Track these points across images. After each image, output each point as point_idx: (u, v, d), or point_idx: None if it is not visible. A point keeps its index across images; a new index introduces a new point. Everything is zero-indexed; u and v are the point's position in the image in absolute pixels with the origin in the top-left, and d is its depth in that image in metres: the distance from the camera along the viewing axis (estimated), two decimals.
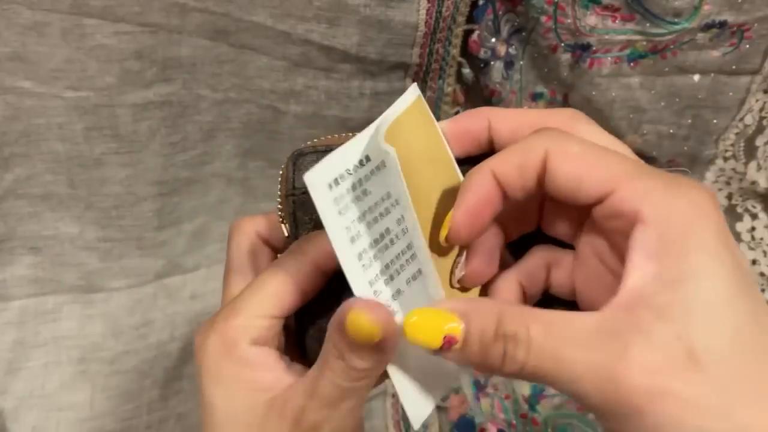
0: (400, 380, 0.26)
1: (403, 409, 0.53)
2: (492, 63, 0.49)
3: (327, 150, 0.26)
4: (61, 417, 0.49)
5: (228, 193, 0.54)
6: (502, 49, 0.49)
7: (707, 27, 0.46)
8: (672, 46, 0.47)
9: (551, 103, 0.53)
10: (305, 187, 0.24)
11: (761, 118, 0.51)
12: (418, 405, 0.26)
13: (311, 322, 0.28)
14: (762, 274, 0.54)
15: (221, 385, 0.26)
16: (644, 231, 0.20)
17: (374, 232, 0.25)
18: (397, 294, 0.25)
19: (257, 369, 0.26)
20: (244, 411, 0.25)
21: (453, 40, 0.47)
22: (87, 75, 0.43)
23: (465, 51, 0.48)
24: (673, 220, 0.20)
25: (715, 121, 0.51)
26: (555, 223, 0.26)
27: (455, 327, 0.21)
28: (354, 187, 0.24)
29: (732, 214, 0.56)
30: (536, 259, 0.27)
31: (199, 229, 0.54)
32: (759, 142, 0.52)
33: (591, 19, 0.47)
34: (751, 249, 0.55)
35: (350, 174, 0.24)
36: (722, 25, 0.46)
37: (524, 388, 0.54)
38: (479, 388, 0.53)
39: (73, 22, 0.41)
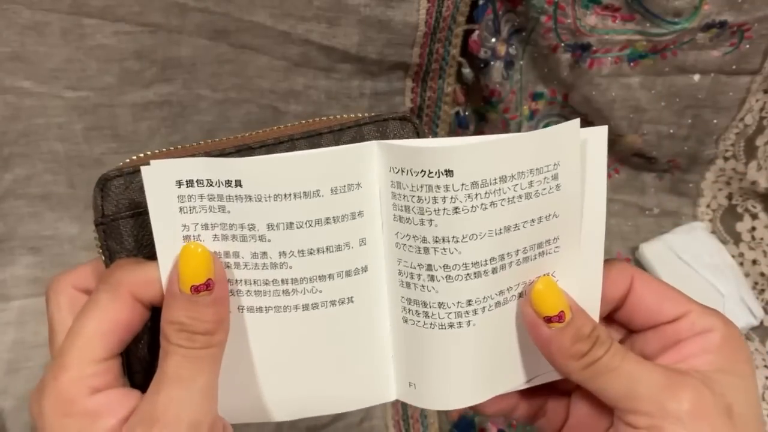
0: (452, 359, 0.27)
1: (403, 408, 0.53)
2: (492, 63, 0.49)
3: (134, 171, 0.26)
4: None
5: None
6: (502, 49, 0.49)
7: (707, 27, 0.46)
8: (672, 46, 0.47)
9: (551, 103, 0.53)
10: (115, 214, 0.25)
11: (761, 118, 0.51)
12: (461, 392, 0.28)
13: (132, 350, 0.27)
14: (762, 274, 0.54)
15: None
16: (712, 336, 0.26)
17: (219, 247, 0.25)
18: None
19: (103, 415, 0.24)
20: None
21: (453, 40, 0.47)
22: (87, 75, 0.43)
23: (465, 51, 0.48)
24: (732, 339, 0.27)
25: (715, 121, 0.51)
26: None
27: (567, 310, 0.26)
28: (211, 198, 0.24)
29: (732, 214, 0.56)
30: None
31: None
32: (759, 142, 0.52)
33: (591, 19, 0.47)
34: (751, 249, 0.55)
35: (211, 185, 0.24)
36: (722, 25, 0.46)
37: None
38: None
39: (73, 22, 0.41)
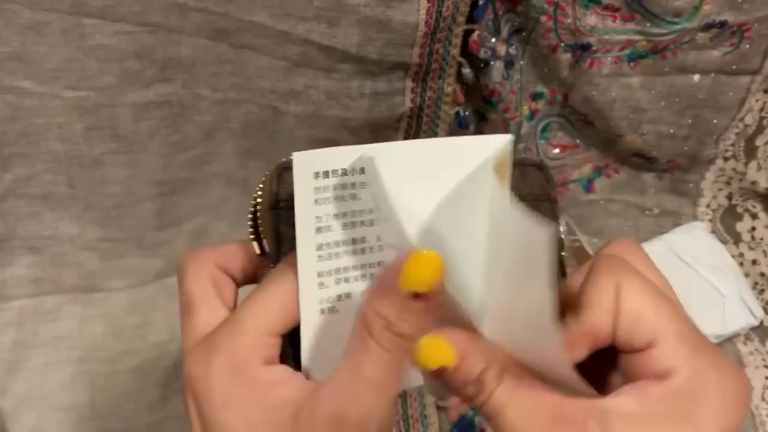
0: None
1: (403, 408, 0.53)
2: (492, 63, 0.49)
3: None
4: (61, 417, 0.49)
5: (228, 193, 0.54)
6: (502, 49, 0.49)
7: (707, 27, 0.46)
8: (672, 46, 0.47)
9: (551, 103, 0.53)
10: (290, 201, 0.25)
11: (761, 118, 0.51)
12: None
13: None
14: (762, 274, 0.54)
15: (236, 409, 0.24)
16: (660, 385, 0.23)
17: (348, 234, 0.26)
18: (344, 297, 0.26)
19: (275, 386, 0.24)
20: (268, 430, 0.23)
21: (453, 40, 0.47)
22: (87, 75, 0.43)
23: (465, 51, 0.48)
24: (685, 393, 0.23)
25: (715, 121, 0.51)
26: None
27: (451, 361, 0.24)
28: (344, 187, 0.25)
29: (732, 214, 0.56)
30: None
31: (199, 229, 0.54)
32: (759, 142, 0.52)
33: (591, 19, 0.47)
34: (751, 249, 0.55)
35: (345, 174, 0.25)
36: (722, 25, 0.46)
37: None
38: None
39: (73, 21, 0.41)
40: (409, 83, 0.49)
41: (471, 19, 0.47)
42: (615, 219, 0.58)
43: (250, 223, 0.27)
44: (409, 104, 0.50)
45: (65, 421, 0.49)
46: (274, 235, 0.27)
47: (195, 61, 0.45)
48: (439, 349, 0.24)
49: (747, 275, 0.54)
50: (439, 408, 0.53)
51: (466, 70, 0.50)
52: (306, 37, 0.44)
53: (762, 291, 0.54)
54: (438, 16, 0.44)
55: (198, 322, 0.26)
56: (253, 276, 0.28)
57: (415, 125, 0.52)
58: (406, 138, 0.53)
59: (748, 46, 0.47)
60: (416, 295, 0.23)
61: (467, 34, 0.47)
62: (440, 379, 0.24)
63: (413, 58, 0.47)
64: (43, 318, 0.51)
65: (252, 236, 0.27)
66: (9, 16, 0.40)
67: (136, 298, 0.53)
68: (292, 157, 0.26)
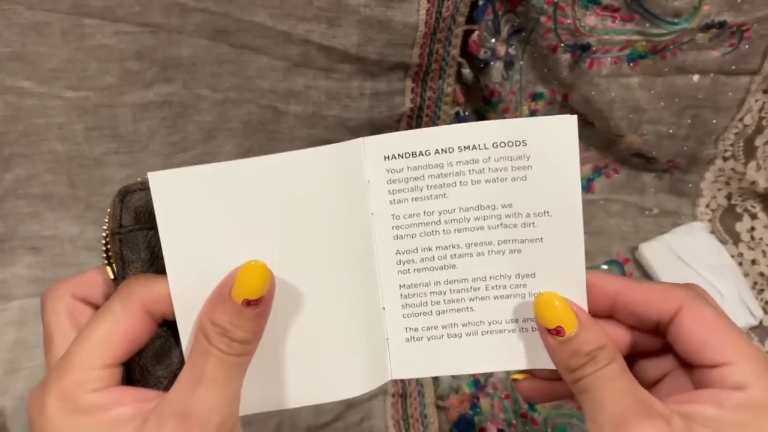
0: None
1: (403, 408, 0.53)
2: (492, 63, 0.49)
3: None
4: None
5: None
6: (502, 49, 0.49)
7: (707, 27, 0.46)
8: (672, 47, 0.47)
9: (551, 103, 0.53)
10: (132, 225, 0.26)
11: (761, 118, 0.51)
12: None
13: (134, 359, 0.27)
14: (761, 274, 0.54)
15: None
16: (736, 395, 0.25)
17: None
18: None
19: (110, 408, 0.24)
20: None
21: (453, 40, 0.47)
22: (87, 75, 0.43)
23: (465, 51, 0.48)
24: (758, 403, 0.25)
25: (714, 121, 0.51)
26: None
27: (572, 327, 0.26)
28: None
29: (731, 214, 0.56)
30: None
31: None
32: (758, 142, 0.52)
33: (591, 20, 0.47)
34: (751, 249, 0.55)
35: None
36: (722, 25, 0.46)
37: None
38: (479, 387, 0.53)
39: (73, 22, 0.41)
40: (409, 83, 0.49)
41: (471, 19, 0.47)
42: (615, 219, 0.58)
43: (102, 248, 0.27)
44: (409, 104, 0.50)
45: None
46: (119, 259, 0.27)
47: (195, 61, 0.45)
48: (564, 312, 0.26)
49: (746, 275, 0.54)
50: (438, 408, 0.53)
51: (466, 71, 0.50)
52: (306, 37, 0.44)
53: (761, 291, 0.54)
54: (438, 16, 0.44)
55: (56, 355, 0.26)
56: None
57: (414, 125, 0.52)
58: None
59: (747, 46, 0.47)
60: (248, 303, 0.25)
61: (467, 34, 0.47)
62: (549, 339, 0.26)
63: (413, 59, 0.47)
64: None
65: (105, 261, 0.27)
66: (9, 17, 0.40)
67: None
68: (145, 177, 0.26)
